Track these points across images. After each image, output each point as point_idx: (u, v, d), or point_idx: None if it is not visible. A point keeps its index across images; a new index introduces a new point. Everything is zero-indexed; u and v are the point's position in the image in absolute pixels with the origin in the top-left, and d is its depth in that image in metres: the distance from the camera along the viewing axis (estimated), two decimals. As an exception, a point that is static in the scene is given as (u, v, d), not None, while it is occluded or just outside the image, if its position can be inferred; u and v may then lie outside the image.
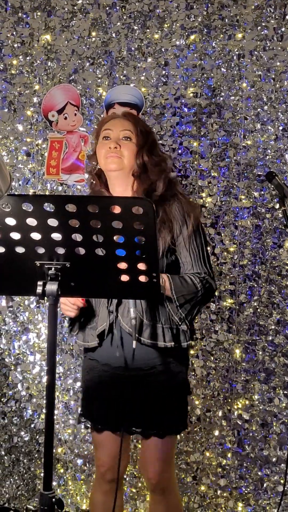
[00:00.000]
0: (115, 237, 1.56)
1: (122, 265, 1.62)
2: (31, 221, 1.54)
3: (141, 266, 1.62)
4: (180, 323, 2.13)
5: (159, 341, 2.13)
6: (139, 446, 2.98)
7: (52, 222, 1.54)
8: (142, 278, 1.64)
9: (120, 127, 2.23)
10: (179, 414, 2.24)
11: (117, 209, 1.52)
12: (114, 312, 2.15)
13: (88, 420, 2.27)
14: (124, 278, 1.64)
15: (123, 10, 3.15)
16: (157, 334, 2.13)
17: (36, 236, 1.57)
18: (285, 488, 2.99)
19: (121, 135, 2.22)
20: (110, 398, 2.21)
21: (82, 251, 1.59)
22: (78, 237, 1.57)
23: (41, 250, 1.59)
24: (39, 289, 1.59)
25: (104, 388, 2.22)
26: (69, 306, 2.15)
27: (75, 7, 3.19)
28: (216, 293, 3.10)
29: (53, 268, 1.60)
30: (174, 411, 2.22)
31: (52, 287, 1.59)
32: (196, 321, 3.10)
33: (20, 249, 1.60)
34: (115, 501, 2.19)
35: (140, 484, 3.13)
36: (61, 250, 1.59)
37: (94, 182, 2.35)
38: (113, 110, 3.13)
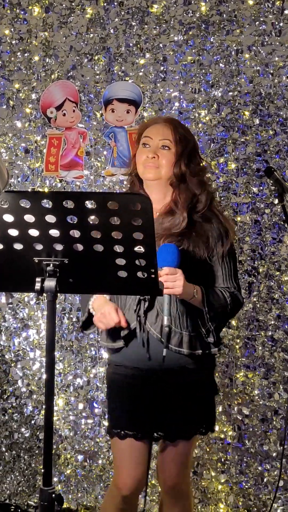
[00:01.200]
0: (113, 233, 1.56)
1: (120, 261, 1.62)
2: (29, 218, 1.54)
3: (140, 262, 1.62)
4: (207, 335, 2.15)
5: (185, 348, 2.13)
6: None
7: (50, 218, 1.54)
8: (140, 274, 1.64)
9: (159, 136, 2.20)
10: (207, 415, 2.24)
11: (114, 205, 1.53)
12: (142, 316, 2.13)
13: (119, 429, 2.20)
14: (123, 274, 1.64)
15: (121, 6, 3.15)
16: (183, 342, 2.13)
17: (34, 232, 1.56)
18: (281, 483, 3.00)
19: (160, 144, 2.19)
20: (140, 404, 2.17)
21: (80, 247, 1.59)
22: (76, 233, 1.57)
23: (39, 247, 1.59)
24: (37, 286, 1.59)
25: (133, 393, 2.18)
26: (109, 320, 2.09)
27: (73, 4, 3.19)
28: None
29: (51, 265, 1.59)
30: (202, 412, 2.22)
31: (50, 283, 1.59)
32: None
33: (18, 246, 1.59)
34: None
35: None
36: (59, 247, 1.59)
37: (133, 183, 2.32)
38: (112, 106, 3.13)
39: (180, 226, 2.15)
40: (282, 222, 3.08)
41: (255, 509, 3.09)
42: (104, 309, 2.11)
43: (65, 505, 3.16)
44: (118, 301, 2.19)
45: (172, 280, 2.00)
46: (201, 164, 2.24)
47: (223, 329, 3.08)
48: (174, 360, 2.13)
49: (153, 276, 1.64)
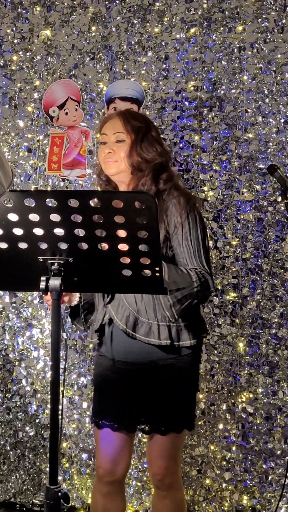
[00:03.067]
0: (117, 232, 1.56)
1: (125, 260, 1.62)
2: (34, 217, 1.54)
3: (144, 260, 1.62)
4: (172, 317, 2.11)
5: (153, 338, 2.13)
6: (144, 440, 2.99)
7: (55, 217, 1.54)
8: (145, 273, 1.64)
9: (112, 130, 2.24)
10: (182, 412, 2.24)
11: (119, 204, 1.53)
12: (108, 307, 2.17)
13: (102, 419, 2.25)
14: (127, 272, 1.64)
15: (123, 4, 3.14)
16: (151, 332, 2.13)
17: (38, 231, 1.57)
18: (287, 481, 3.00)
19: (114, 138, 2.23)
20: (115, 393, 2.22)
21: (85, 246, 1.59)
22: (80, 232, 1.57)
23: (44, 246, 1.59)
24: (42, 285, 1.59)
25: (109, 384, 2.24)
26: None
27: (75, 2, 3.18)
28: (219, 287, 3.10)
29: (56, 263, 1.60)
30: (178, 408, 2.22)
31: (55, 282, 1.59)
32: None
33: (23, 245, 1.60)
34: None
35: (145, 478, 3.14)
36: (64, 245, 1.59)
37: (101, 182, 2.35)
38: (114, 105, 3.13)
39: None
40: (285, 220, 3.08)
41: (260, 507, 3.09)
42: None
43: (69, 503, 3.17)
44: (97, 296, 2.25)
45: None
46: (157, 149, 2.23)
47: (227, 327, 3.08)
48: (144, 351, 2.15)
49: (157, 274, 1.64)
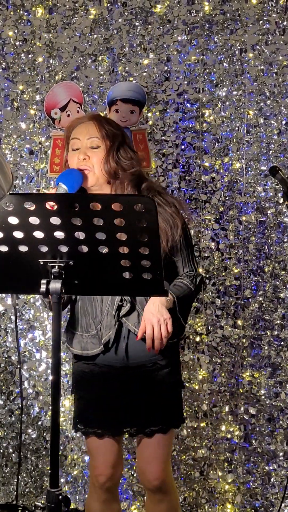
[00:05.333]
0: (117, 235, 1.56)
1: (125, 263, 1.62)
2: (34, 220, 1.54)
3: (145, 263, 1.62)
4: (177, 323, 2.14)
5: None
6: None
7: (55, 220, 1.54)
8: (146, 275, 1.64)
9: (86, 135, 2.17)
10: (178, 408, 2.25)
11: (119, 207, 1.53)
12: (125, 322, 2.13)
13: (87, 426, 2.23)
14: (128, 275, 1.64)
15: (124, 6, 3.15)
16: None
17: (39, 234, 1.57)
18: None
19: (88, 144, 2.16)
20: (112, 400, 2.19)
21: (85, 249, 1.59)
22: (81, 235, 1.57)
23: (44, 249, 1.59)
24: (43, 287, 1.59)
25: (105, 391, 2.20)
26: None
27: (76, 4, 3.19)
28: (221, 289, 3.11)
29: (56, 266, 1.60)
30: (174, 405, 2.23)
31: (55, 285, 1.59)
32: (201, 316, 3.10)
33: (23, 248, 1.60)
34: None
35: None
36: (64, 248, 1.59)
37: None
38: (116, 106, 3.13)
39: None
40: (287, 221, 3.08)
41: (262, 509, 3.09)
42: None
43: (72, 506, 3.17)
44: (93, 307, 2.18)
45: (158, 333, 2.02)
46: (132, 157, 2.19)
47: (229, 329, 3.08)
48: (148, 357, 2.14)
49: (158, 277, 1.64)
